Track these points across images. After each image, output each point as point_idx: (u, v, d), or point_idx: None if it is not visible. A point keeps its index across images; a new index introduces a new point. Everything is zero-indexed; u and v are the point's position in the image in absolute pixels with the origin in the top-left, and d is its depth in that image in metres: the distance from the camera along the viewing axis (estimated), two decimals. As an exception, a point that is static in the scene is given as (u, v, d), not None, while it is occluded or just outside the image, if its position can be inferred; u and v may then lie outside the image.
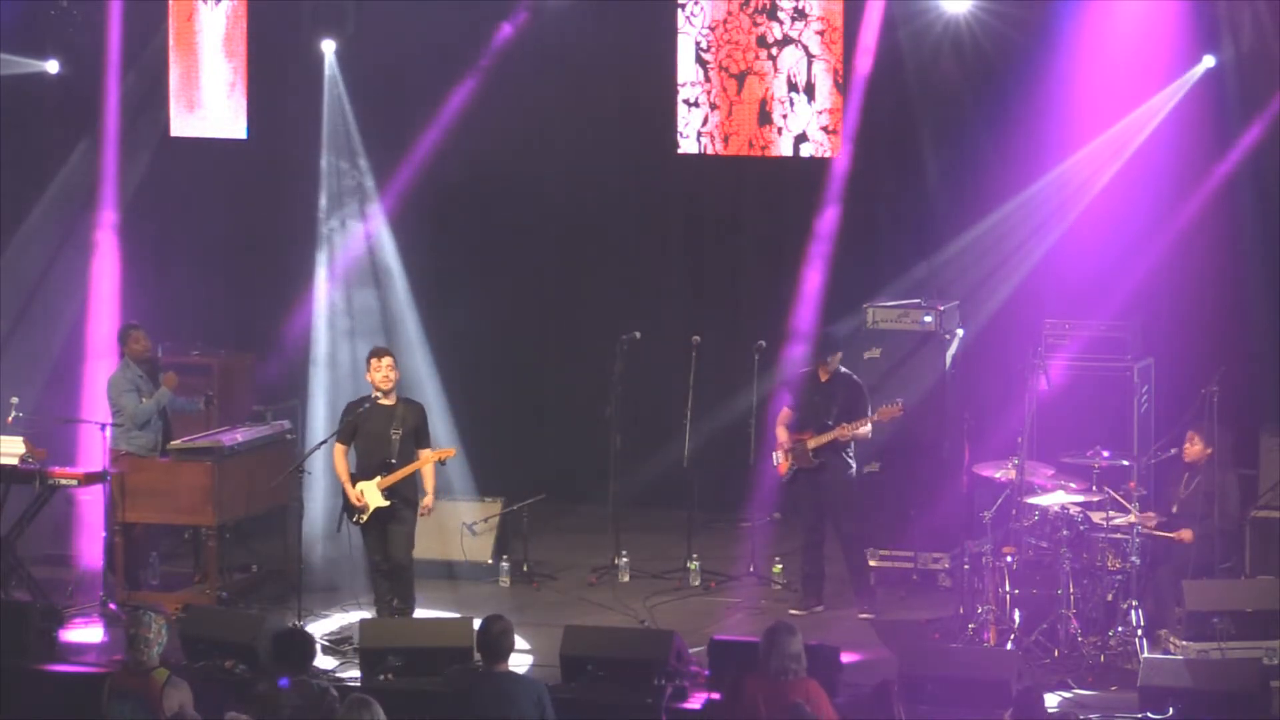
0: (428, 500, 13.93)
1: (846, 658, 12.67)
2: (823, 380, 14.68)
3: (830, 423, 14.51)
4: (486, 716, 10.64)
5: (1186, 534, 13.67)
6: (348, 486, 13.81)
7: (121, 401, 14.77)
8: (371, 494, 13.74)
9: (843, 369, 14.70)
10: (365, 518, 13.77)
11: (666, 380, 16.24)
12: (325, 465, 15.15)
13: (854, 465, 14.71)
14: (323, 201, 17.75)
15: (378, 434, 13.79)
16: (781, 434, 14.77)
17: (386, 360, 13.89)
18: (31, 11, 17.53)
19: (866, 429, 14.55)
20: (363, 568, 14.31)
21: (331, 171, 17.76)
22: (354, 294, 17.76)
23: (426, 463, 13.88)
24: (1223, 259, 15.92)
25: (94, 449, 15.24)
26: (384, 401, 13.86)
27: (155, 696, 10.63)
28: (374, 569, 13.96)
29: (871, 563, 15.07)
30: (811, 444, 14.55)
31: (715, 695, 12.18)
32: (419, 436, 13.90)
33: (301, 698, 10.44)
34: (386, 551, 13.84)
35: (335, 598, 14.83)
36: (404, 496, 13.82)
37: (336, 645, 13.59)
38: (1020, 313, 16.09)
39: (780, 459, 14.75)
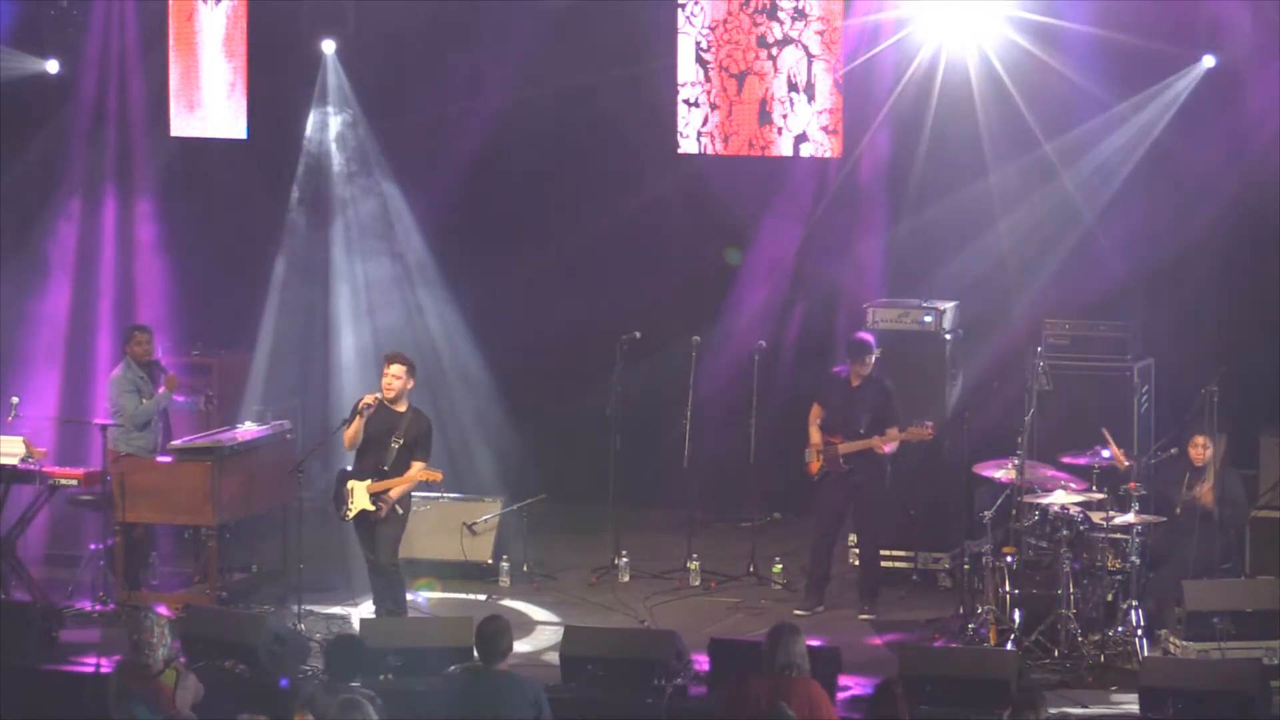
0: (386, 501, 13.67)
1: (847, 658, 12.66)
2: (854, 385, 14.62)
3: (862, 430, 14.47)
4: (483, 717, 10.63)
5: (1208, 494, 13.63)
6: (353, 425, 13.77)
7: (121, 402, 14.77)
8: (360, 495, 13.71)
9: (875, 374, 14.65)
10: (350, 515, 13.74)
11: (666, 380, 16.23)
12: (325, 462, 15.19)
13: (887, 469, 14.67)
14: (322, 201, 17.77)
15: (379, 438, 13.74)
16: (814, 434, 14.70)
17: (394, 368, 13.80)
18: (31, 11, 17.53)
19: (894, 445, 14.50)
20: (361, 567, 14.30)
21: (333, 171, 17.77)
22: (354, 293, 17.75)
23: (415, 480, 13.80)
24: (1223, 259, 15.91)
25: (95, 449, 15.26)
26: (393, 406, 13.79)
27: (167, 700, 10.64)
28: (369, 567, 13.93)
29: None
30: (842, 449, 14.52)
31: (715, 695, 12.18)
32: (417, 449, 13.81)
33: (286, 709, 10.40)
34: (373, 551, 13.80)
35: (335, 598, 14.83)
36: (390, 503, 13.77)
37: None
38: (1019, 313, 16.09)
39: (812, 458, 14.71)
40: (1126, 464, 13.90)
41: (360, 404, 13.80)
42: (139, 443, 14.78)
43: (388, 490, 13.68)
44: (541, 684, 11.12)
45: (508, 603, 14.86)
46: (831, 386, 14.81)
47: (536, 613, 14.65)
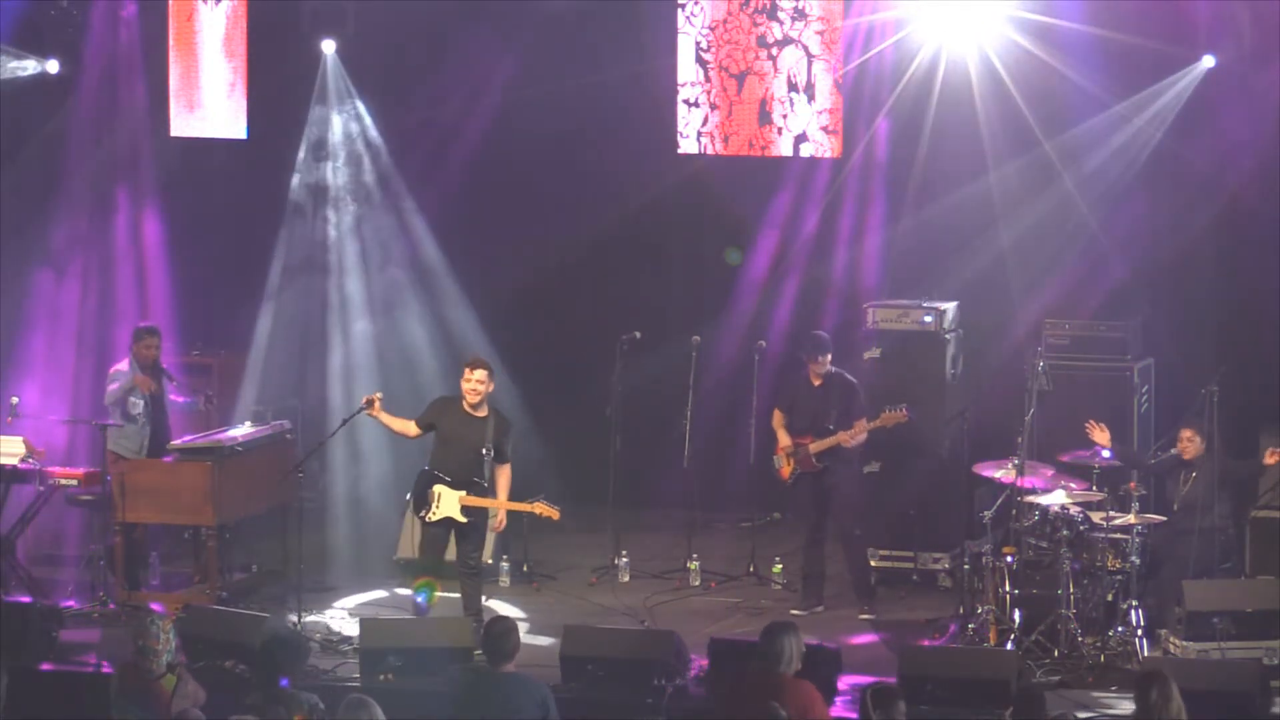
0: (501, 519, 13.76)
1: (847, 658, 12.66)
2: (816, 384, 14.65)
3: (831, 426, 14.49)
4: (489, 717, 10.62)
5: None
6: (392, 422, 13.75)
7: (109, 387, 14.78)
8: (449, 501, 13.58)
9: (834, 369, 14.68)
10: (434, 518, 13.64)
11: (666, 380, 16.24)
12: (344, 463, 15.16)
13: (857, 465, 14.71)
14: (322, 201, 17.78)
15: (469, 447, 13.60)
16: (783, 438, 14.73)
17: (477, 373, 13.63)
18: (31, 11, 17.53)
19: (863, 436, 14.53)
20: (362, 567, 14.29)
21: (332, 172, 17.77)
22: (353, 293, 17.75)
23: (518, 508, 13.73)
24: (1222, 259, 15.92)
25: (94, 449, 15.26)
26: (475, 413, 13.66)
27: (163, 703, 10.65)
28: (421, 568, 13.86)
29: (872, 563, 15.08)
30: (814, 448, 14.53)
31: (713, 695, 12.18)
32: (498, 452, 13.72)
33: (286, 709, 10.42)
34: (459, 548, 13.71)
35: (335, 598, 14.83)
36: (479, 511, 13.75)
37: (336, 645, 13.58)
38: (1019, 312, 16.10)
39: (783, 463, 14.72)
40: (1109, 446, 13.93)
41: (364, 401, 13.80)
42: (125, 442, 14.77)
43: (485, 506, 13.66)
44: (548, 684, 11.12)
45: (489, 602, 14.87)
46: (795, 390, 14.82)
47: (504, 609, 14.61)
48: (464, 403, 13.63)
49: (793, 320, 17.07)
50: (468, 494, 13.56)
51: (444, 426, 13.68)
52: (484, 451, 13.56)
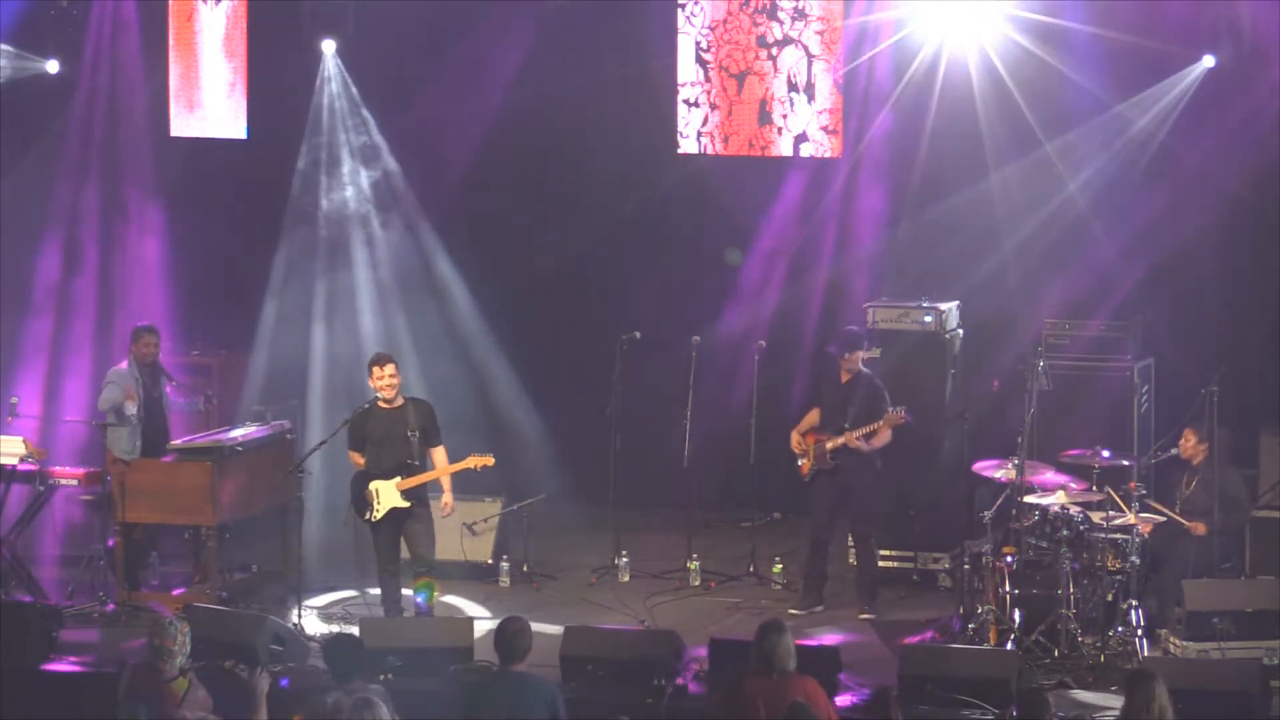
0: (447, 499, 14.03)
1: (847, 658, 12.66)
2: (843, 381, 14.63)
3: (846, 425, 14.47)
4: (498, 716, 10.62)
5: (1200, 527, 13.65)
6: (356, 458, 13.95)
7: (104, 393, 14.79)
8: (389, 494, 13.75)
9: (865, 370, 14.65)
10: (379, 516, 13.76)
11: (666, 380, 16.23)
12: (323, 464, 15.21)
13: (879, 466, 14.65)
14: (323, 201, 17.78)
15: (393, 436, 13.82)
16: (794, 438, 14.71)
17: (389, 368, 13.90)
18: (31, 11, 17.53)
19: (884, 437, 14.46)
20: (359, 566, 14.30)
21: (332, 172, 17.77)
22: (353, 293, 17.75)
23: (456, 469, 13.93)
24: (1222, 259, 15.92)
25: (94, 448, 15.26)
26: (392, 406, 13.88)
27: (172, 705, 10.67)
28: (382, 569, 13.95)
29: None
30: (829, 445, 14.52)
31: (711, 696, 12.17)
32: (428, 435, 13.92)
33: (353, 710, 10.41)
34: (412, 551, 13.86)
35: (335, 597, 14.83)
36: (419, 496, 13.87)
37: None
38: (1020, 313, 16.10)
39: (801, 460, 14.70)
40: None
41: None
42: (119, 443, 14.74)
43: (423, 484, 13.85)
44: (558, 684, 11.10)
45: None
46: (821, 385, 14.82)
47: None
48: (379, 402, 13.89)
49: (792, 320, 17.07)
50: (402, 478, 13.74)
51: (371, 433, 13.90)
52: (409, 435, 13.77)
